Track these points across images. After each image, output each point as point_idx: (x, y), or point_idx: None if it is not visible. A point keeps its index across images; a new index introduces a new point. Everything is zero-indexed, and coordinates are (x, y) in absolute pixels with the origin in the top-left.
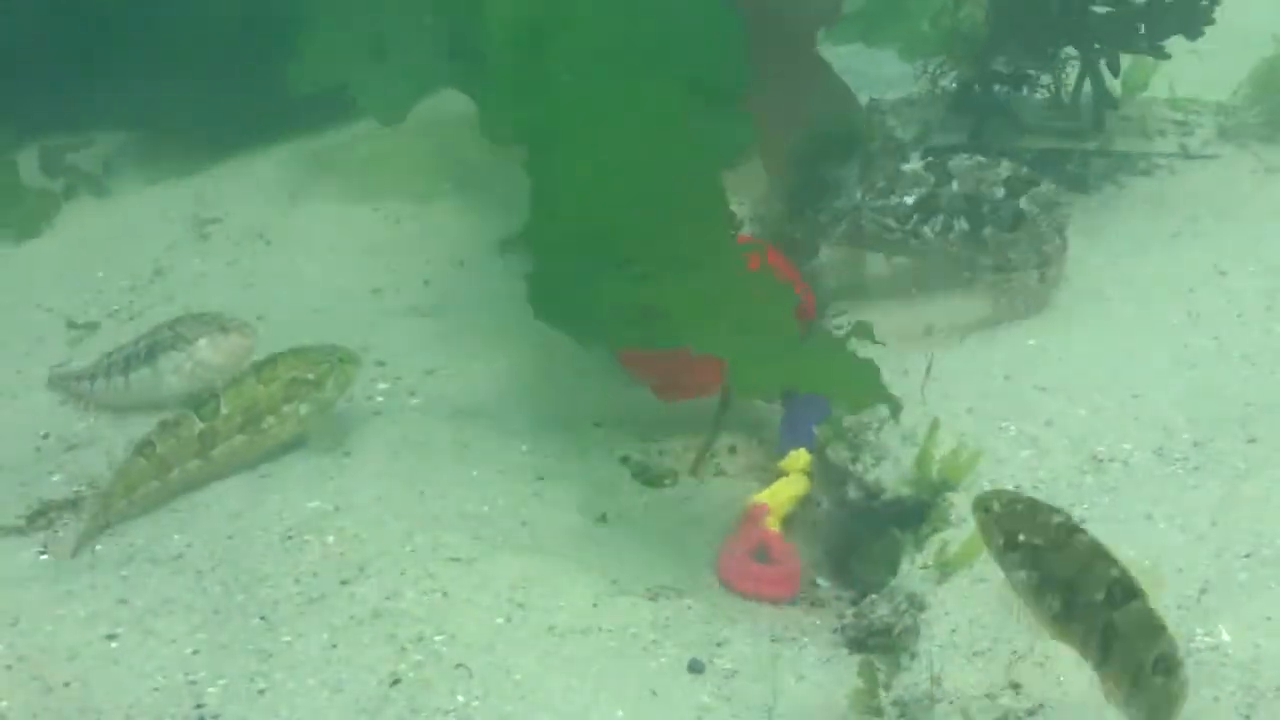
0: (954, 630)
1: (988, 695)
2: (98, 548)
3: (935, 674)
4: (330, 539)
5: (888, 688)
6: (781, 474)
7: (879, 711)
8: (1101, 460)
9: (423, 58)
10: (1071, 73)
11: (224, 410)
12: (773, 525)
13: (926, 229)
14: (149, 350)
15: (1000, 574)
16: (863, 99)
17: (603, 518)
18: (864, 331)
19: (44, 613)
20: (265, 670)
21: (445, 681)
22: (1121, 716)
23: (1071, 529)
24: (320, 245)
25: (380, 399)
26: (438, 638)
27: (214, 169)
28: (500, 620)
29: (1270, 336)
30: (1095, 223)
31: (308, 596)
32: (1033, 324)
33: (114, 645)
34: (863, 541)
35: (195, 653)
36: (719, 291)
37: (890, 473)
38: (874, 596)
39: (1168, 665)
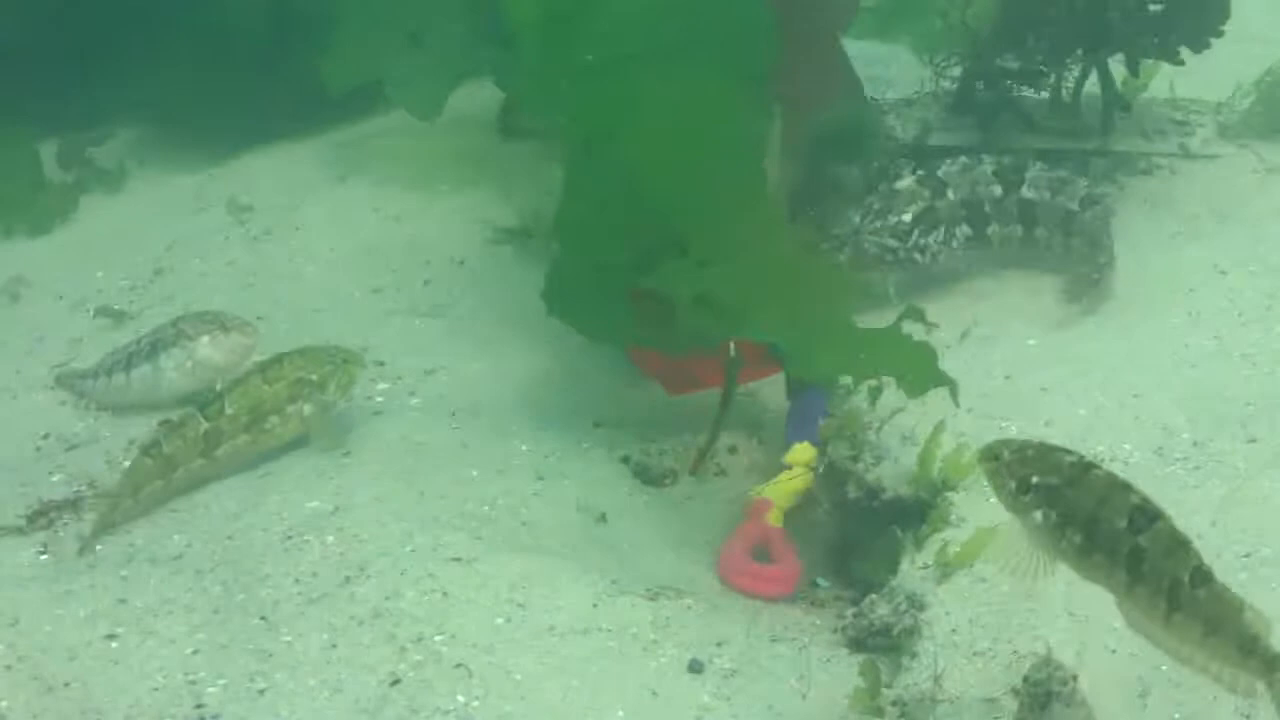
0: (954, 630)
1: (988, 696)
2: (98, 548)
3: (937, 674)
4: (330, 539)
5: (888, 687)
6: (785, 468)
7: (880, 712)
8: (1102, 460)
9: (455, 50)
10: (1072, 73)
11: (229, 410)
12: (775, 520)
13: (928, 242)
14: (151, 348)
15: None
16: None
17: (603, 517)
18: (915, 315)
19: (44, 613)
20: (265, 670)
21: (445, 682)
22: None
23: (1087, 465)
24: (320, 245)
25: (380, 399)
26: (438, 638)
27: (219, 166)
28: (500, 620)
29: (1270, 336)
30: None
31: (308, 596)
32: (1032, 324)
33: (114, 645)
34: (863, 541)
35: (195, 653)
36: (778, 278)
37: (890, 472)
38: (874, 596)
39: (1205, 576)
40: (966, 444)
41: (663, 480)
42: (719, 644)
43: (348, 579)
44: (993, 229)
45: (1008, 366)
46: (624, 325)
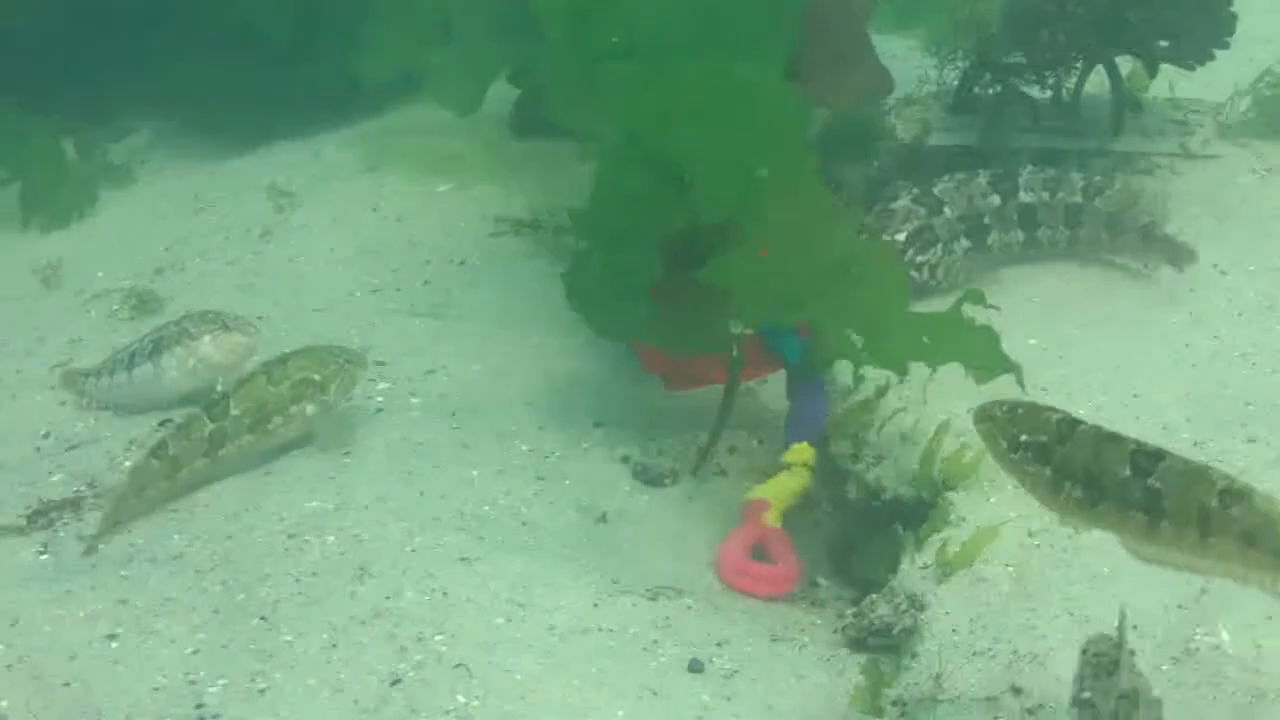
0: (954, 630)
1: (988, 695)
2: (100, 547)
3: (937, 673)
4: (331, 539)
5: (889, 686)
6: (784, 467)
7: (880, 711)
8: None
9: (491, 45)
10: (1075, 72)
11: (234, 410)
12: (773, 520)
13: (925, 259)
14: (153, 346)
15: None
16: None
17: (603, 517)
18: (976, 299)
19: (44, 613)
20: (265, 670)
21: (445, 681)
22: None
23: (1074, 422)
24: (320, 245)
25: (380, 399)
26: (438, 638)
27: (224, 165)
28: (500, 620)
29: (1270, 336)
30: None
31: (308, 596)
32: (1033, 324)
33: (114, 645)
34: (863, 540)
35: (195, 652)
36: (840, 266)
37: (890, 472)
38: (874, 596)
39: (1237, 494)
40: (967, 444)
41: (663, 480)
42: (719, 644)
43: (348, 579)
44: (993, 238)
45: None
46: (641, 322)
